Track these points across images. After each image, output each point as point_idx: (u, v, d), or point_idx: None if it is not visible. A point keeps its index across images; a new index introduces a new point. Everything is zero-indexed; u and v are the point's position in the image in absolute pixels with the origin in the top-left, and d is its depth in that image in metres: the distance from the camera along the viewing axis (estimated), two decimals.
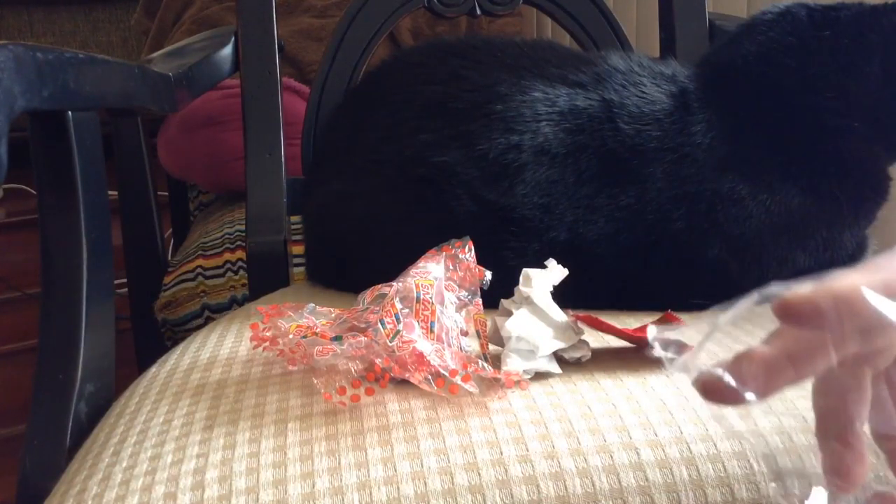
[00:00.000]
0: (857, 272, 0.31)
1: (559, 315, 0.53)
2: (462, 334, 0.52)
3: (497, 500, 0.42)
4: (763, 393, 0.30)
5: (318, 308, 0.55)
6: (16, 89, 0.49)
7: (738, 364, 0.31)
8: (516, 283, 0.54)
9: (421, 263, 0.54)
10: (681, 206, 0.65)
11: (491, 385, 0.48)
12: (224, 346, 0.61)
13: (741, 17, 1.04)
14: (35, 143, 0.58)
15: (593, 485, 0.43)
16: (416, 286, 0.51)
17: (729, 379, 0.30)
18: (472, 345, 0.54)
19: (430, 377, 0.47)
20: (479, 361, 0.47)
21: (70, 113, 0.56)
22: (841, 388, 0.33)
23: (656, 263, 0.66)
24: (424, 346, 0.47)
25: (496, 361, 0.52)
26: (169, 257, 1.41)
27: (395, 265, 0.55)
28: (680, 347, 0.53)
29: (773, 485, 0.37)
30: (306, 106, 0.90)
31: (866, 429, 0.34)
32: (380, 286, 0.53)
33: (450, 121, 0.68)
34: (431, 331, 0.50)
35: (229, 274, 1.15)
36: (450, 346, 0.50)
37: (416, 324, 0.49)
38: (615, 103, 0.66)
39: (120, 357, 0.62)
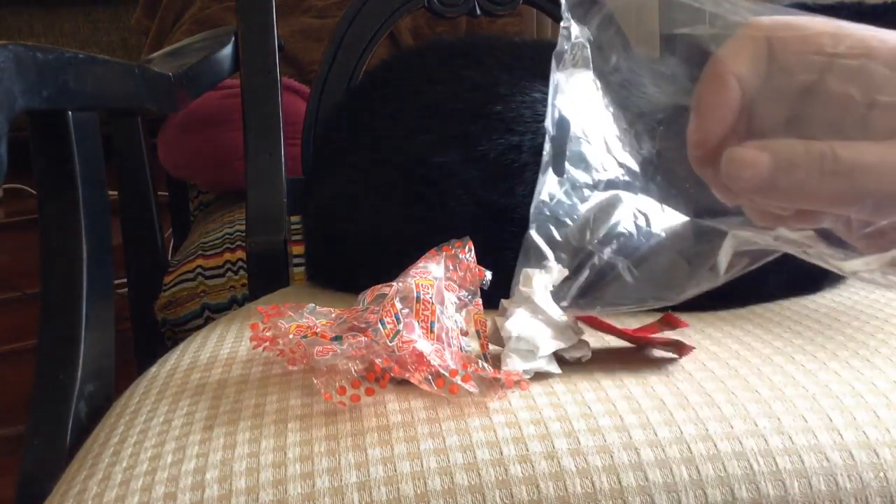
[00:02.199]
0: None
1: (559, 315, 0.53)
2: (462, 334, 0.52)
3: (497, 500, 0.42)
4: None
5: (318, 308, 0.55)
6: (16, 89, 0.49)
7: None
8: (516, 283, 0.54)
9: (421, 263, 0.54)
10: None
11: (491, 385, 0.48)
12: (224, 346, 0.61)
13: None
14: (35, 143, 0.58)
15: (593, 485, 0.43)
16: (416, 286, 0.51)
17: None
18: (472, 345, 0.54)
19: (430, 377, 0.47)
20: (479, 361, 0.47)
21: (70, 113, 0.56)
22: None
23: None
24: (424, 346, 0.47)
25: (496, 361, 0.52)
26: (169, 257, 1.41)
27: (395, 265, 0.55)
28: (680, 349, 0.53)
29: None
30: (306, 106, 0.90)
31: None
32: (380, 286, 0.53)
33: (450, 121, 0.68)
34: (431, 331, 0.50)
35: (229, 274, 1.15)
36: (450, 346, 0.50)
37: (416, 324, 0.49)
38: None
39: (120, 357, 0.62)
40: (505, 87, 0.67)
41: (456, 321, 0.52)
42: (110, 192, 0.64)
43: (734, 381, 0.50)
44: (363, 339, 0.48)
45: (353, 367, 0.49)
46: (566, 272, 0.54)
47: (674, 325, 0.55)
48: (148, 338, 1.27)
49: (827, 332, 0.58)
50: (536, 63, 0.71)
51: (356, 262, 0.74)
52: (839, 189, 0.29)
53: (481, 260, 0.55)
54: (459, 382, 0.47)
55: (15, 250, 2.05)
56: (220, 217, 1.31)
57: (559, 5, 0.94)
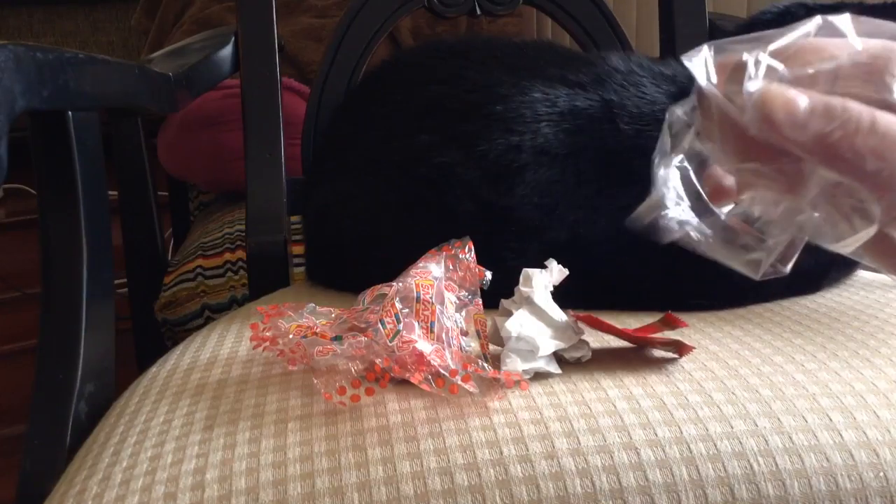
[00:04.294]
0: None
1: (559, 315, 0.53)
2: (462, 334, 0.52)
3: (497, 500, 0.42)
4: None
5: (318, 308, 0.55)
6: (16, 89, 0.49)
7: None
8: (516, 283, 0.54)
9: (421, 263, 0.54)
10: None
11: (491, 385, 0.48)
12: (224, 346, 0.61)
13: (741, 17, 1.04)
14: (35, 143, 0.58)
15: (593, 485, 0.43)
16: (416, 286, 0.51)
17: None
18: (472, 345, 0.54)
19: (430, 377, 0.47)
20: (479, 361, 0.47)
21: (70, 113, 0.57)
22: None
23: (657, 264, 0.66)
24: (424, 346, 0.47)
25: (496, 361, 0.52)
26: (169, 257, 1.41)
27: (395, 265, 0.55)
28: (680, 349, 0.53)
29: None
30: (306, 106, 0.90)
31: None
32: (380, 286, 0.53)
33: (450, 121, 0.68)
34: (431, 331, 0.50)
35: (229, 274, 1.15)
36: (450, 346, 0.50)
37: (416, 324, 0.49)
38: (615, 104, 0.66)
39: (120, 357, 0.62)
40: (505, 87, 0.67)
41: (456, 321, 0.52)
42: (110, 192, 0.64)
43: (734, 381, 0.50)
44: (363, 339, 0.48)
45: (353, 367, 0.49)
46: (566, 272, 0.54)
47: (674, 325, 0.55)
48: (148, 338, 1.27)
49: (827, 332, 0.58)
50: (536, 63, 0.71)
51: (356, 262, 0.74)
52: (869, 148, 0.29)
53: (481, 260, 0.55)
54: (459, 382, 0.47)
55: (15, 250, 2.05)
56: (220, 217, 1.31)
57: (559, 5, 0.95)
